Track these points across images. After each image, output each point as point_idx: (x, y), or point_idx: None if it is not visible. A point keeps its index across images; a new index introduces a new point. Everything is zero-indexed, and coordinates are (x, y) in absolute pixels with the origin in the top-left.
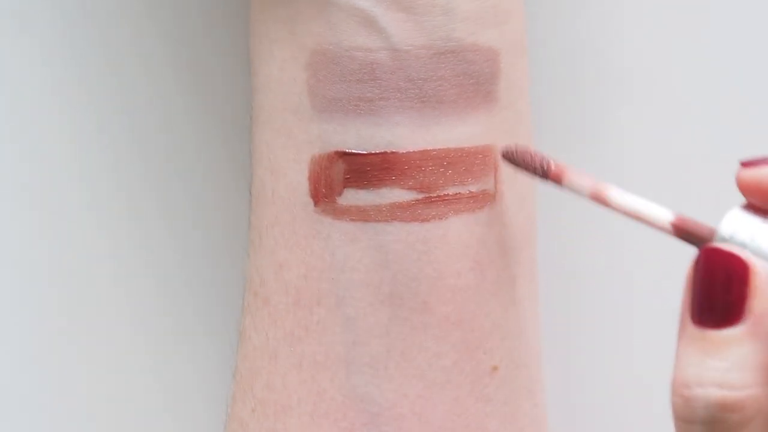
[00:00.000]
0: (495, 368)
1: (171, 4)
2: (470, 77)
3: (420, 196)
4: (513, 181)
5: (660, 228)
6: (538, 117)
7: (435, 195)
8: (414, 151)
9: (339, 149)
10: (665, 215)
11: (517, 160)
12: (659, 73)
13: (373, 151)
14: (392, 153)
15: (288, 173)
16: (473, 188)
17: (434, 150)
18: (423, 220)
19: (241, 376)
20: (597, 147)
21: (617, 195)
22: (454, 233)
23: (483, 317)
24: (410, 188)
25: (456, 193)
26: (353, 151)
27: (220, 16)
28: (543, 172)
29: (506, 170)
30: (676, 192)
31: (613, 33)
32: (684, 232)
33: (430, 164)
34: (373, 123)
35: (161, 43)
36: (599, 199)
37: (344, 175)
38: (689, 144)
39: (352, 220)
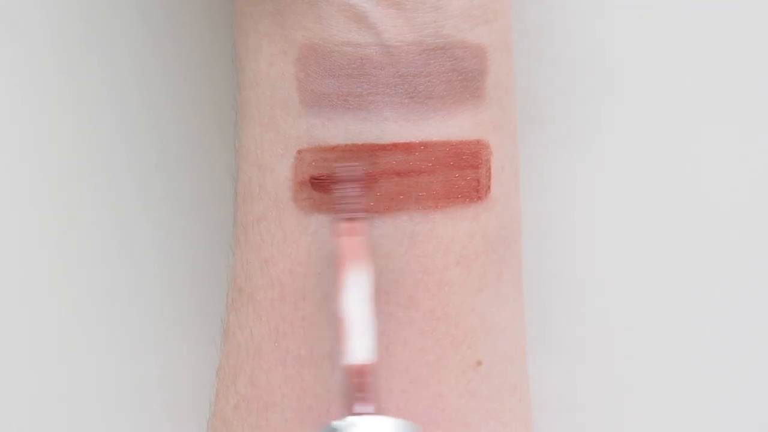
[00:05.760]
0: (479, 363)
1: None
2: (459, 74)
3: (407, 191)
4: (500, 176)
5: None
6: (535, 114)
7: (422, 190)
8: (401, 144)
9: (327, 144)
10: (360, 356)
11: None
12: (653, 71)
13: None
14: (380, 146)
15: (275, 168)
16: (460, 183)
17: (422, 144)
18: (410, 215)
19: (225, 372)
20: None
21: (347, 302)
22: (441, 228)
23: (468, 312)
24: (397, 183)
25: (443, 188)
26: (341, 145)
27: (203, 11)
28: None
29: (493, 166)
30: (672, 191)
31: (607, 30)
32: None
33: (418, 159)
34: (362, 118)
35: (145, 39)
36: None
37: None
38: (685, 142)
39: None
